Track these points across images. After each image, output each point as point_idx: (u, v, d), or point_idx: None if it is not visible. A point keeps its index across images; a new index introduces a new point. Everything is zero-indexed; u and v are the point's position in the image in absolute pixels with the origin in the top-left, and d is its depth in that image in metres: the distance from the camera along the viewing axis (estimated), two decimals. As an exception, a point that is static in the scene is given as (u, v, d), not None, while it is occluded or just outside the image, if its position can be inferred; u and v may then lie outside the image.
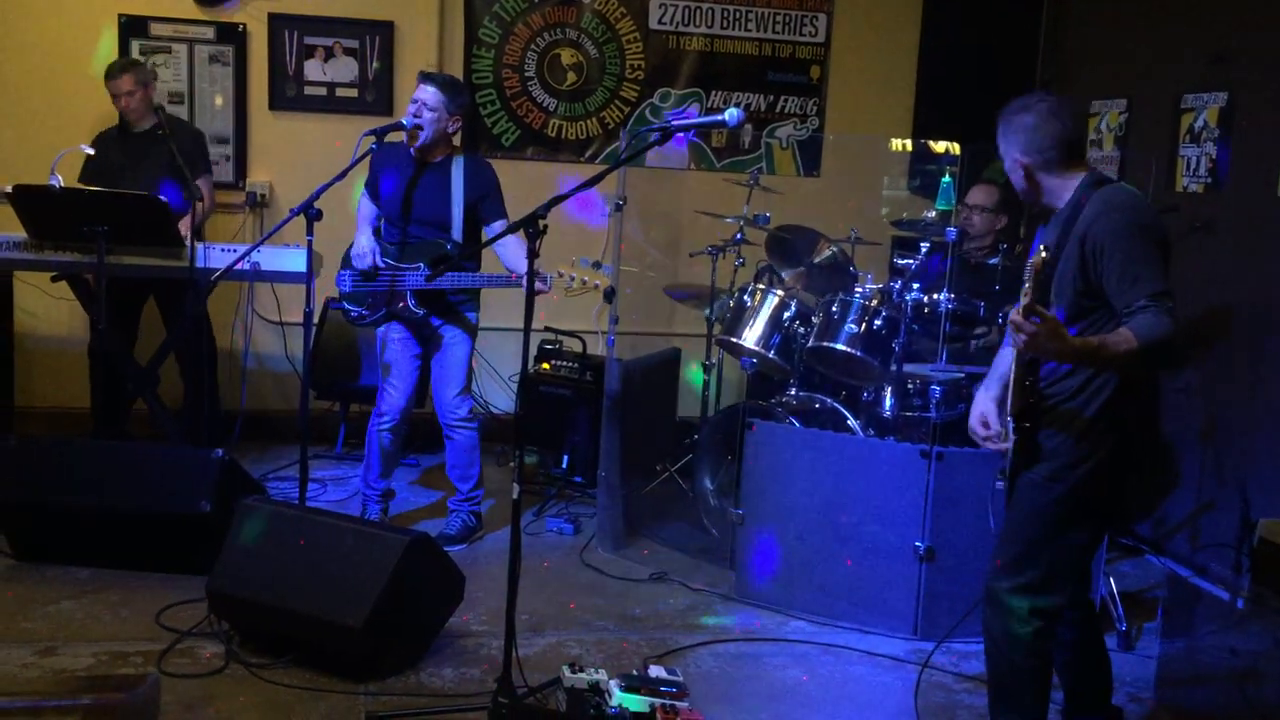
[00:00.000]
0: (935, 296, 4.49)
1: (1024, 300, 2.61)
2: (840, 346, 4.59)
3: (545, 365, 5.70)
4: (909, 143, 6.42)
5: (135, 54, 5.88)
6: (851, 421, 4.62)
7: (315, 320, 5.12)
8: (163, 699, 2.99)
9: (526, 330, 3.21)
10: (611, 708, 3.29)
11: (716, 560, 4.69)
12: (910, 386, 4.63)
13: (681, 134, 6.26)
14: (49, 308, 5.83)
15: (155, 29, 5.92)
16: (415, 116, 4.41)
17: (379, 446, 4.73)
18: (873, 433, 4.61)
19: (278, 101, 6.07)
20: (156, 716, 2.81)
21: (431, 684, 3.56)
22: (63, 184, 4.71)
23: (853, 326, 4.59)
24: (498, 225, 4.53)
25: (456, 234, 4.52)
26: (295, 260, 4.83)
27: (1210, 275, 4.80)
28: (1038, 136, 2.94)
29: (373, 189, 4.64)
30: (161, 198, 4.83)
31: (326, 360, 5.83)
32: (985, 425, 3.11)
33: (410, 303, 4.50)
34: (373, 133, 4.31)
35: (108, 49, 5.72)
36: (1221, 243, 4.85)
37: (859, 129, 6.54)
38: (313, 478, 5.13)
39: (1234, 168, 4.85)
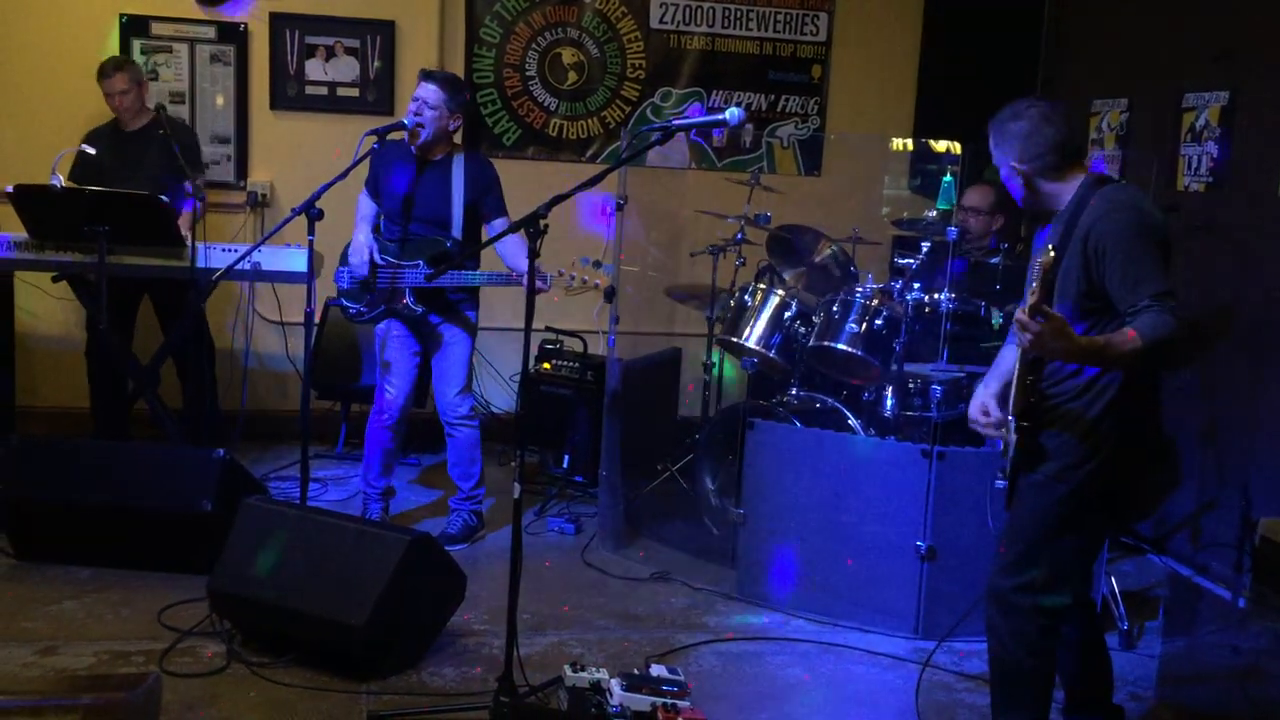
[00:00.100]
0: (936, 296, 4.49)
1: (1031, 299, 2.61)
2: (841, 346, 4.59)
3: (546, 365, 5.70)
4: (910, 142, 6.42)
5: (136, 53, 5.89)
6: (852, 421, 4.62)
7: (316, 320, 5.13)
8: (164, 698, 2.99)
9: (527, 330, 3.21)
10: (613, 707, 3.29)
11: (718, 559, 4.69)
12: (911, 386, 4.63)
13: (688, 133, 6.27)
14: (50, 308, 5.83)
15: (156, 28, 5.93)
16: (416, 115, 4.41)
17: (379, 445, 4.73)
18: (874, 432, 4.61)
19: (279, 101, 6.07)
20: (157, 716, 2.81)
21: (433, 683, 3.56)
22: (63, 184, 4.71)
23: (854, 326, 4.59)
24: (498, 223, 4.54)
25: (456, 232, 4.52)
26: (296, 260, 4.83)
27: (1211, 275, 4.80)
28: (1032, 143, 2.94)
29: (372, 187, 4.65)
30: (163, 198, 4.83)
31: (327, 360, 5.83)
32: (985, 414, 3.11)
33: (409, 300, 4.50)
34: (374, 132, 4.31)
35: (109, 48, 5.71)
36: (1222, 242, 4.84)
37: (860, 128, 6.55)
38: (314, 477, 5.13)
39: (1235, 167, 4.85)
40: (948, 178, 5.14)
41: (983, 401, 3.13)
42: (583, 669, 3.43)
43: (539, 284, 3.80)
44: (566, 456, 5.58)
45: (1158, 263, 2.78)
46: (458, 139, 4.67)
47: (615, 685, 3.34)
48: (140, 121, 5.31)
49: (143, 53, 5.91)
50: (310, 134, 6.06)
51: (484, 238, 4.63)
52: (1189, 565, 4.90)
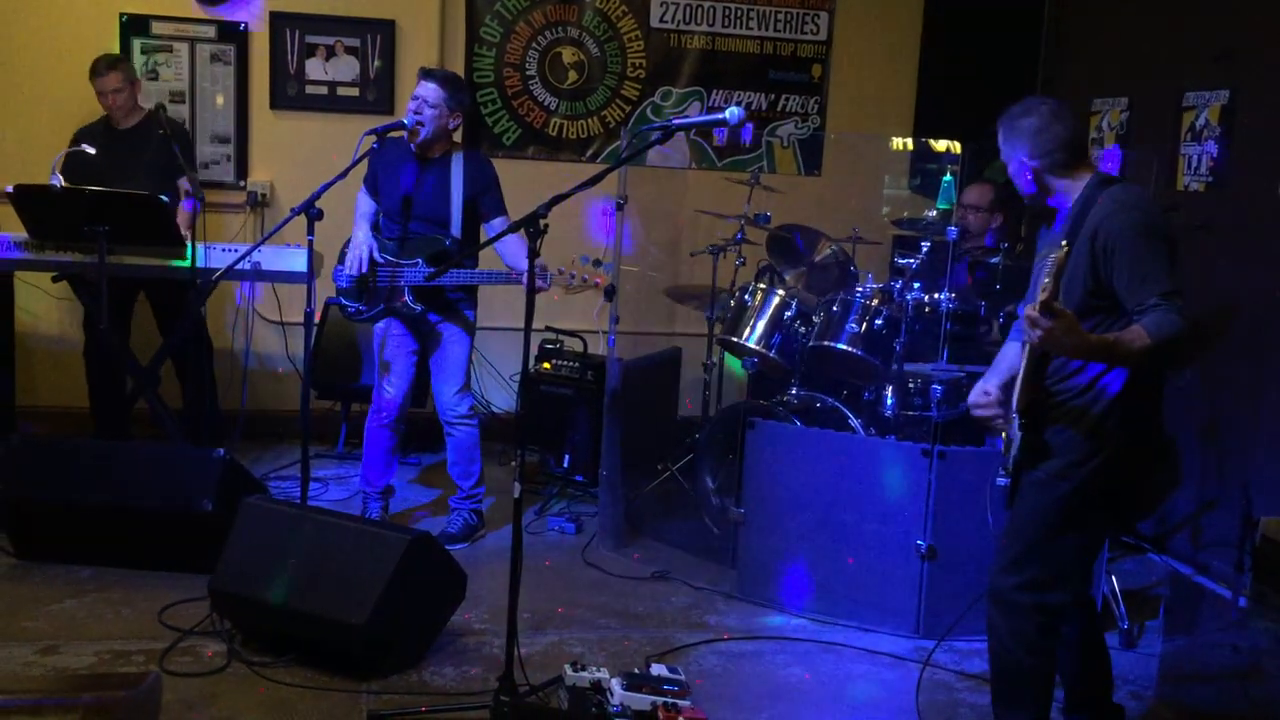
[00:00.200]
0: (936, 296, 4.49)
1: (1042, 295, 2.61)
2: (841, 346, 4.59)
3: (546, 365, 5.70)
4: (910, 141, 6.42)
5: (136, 53, 5.89)
6: (853, 421, 4.62)
7: (316, 320, 5.13)
8: (165, 698, 2.98)
9: (527, 329, 3.21)
10: (613, 706, 3.29)
11: (718, 559, 4.69)
12: (911, 385, 4.63)
13: (689, 133, 6.27)
14: (50, 307, 5.84)
15: (157, 28, 5.93)
16: (416, 114, 4.41)
17: (378, 444, 4.73)
18: (874, 432, 4.61)
19: (279, 100, 6.07)
20: (157, 715, 2.81)
21: (433, 683, 3.56)
22: (63, 184, 4.70)
23: (854, 326, 4.59)
24: (497, 222, 4.54)
25: (455, 230, 4.52)
26: (296, 260, 4.83)
27: (1211, 274, 4.80)
28: (1043, 139, 2.95)
29: (371, 185, 4.65)
30: (163, 197, 4.83)
31: (327, 360, 5.83)
32: (987, 394, 3.11)
33: (408, 299, 4.50)
34: (374, 131, 4.31)
35: (109, 48, 5.71)
36: (1222, 241, 4.85)
37: (860, 128, 6.55)
38: (314, 477, 5.13)
39: (1235, 166, 4.85)
40: (948, 177, 5.14)
41: (984, 387, 3.13)
42: (583, 668, 3.43)
43: (539, 283, 3.79)
44: (567, 456, 5.58)
45: (1165, 262, 2.79)
46: (457, 137, 4.67)
47: (616, 685, 3.34)
48: (133, 120, 5.30)
49: (143, 52, 5.91)
50: (310, 133, 6.06)
51: (482, 236, 4.63)
52: (1190, 564, 4.90)
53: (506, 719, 3.13)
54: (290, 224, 4.21)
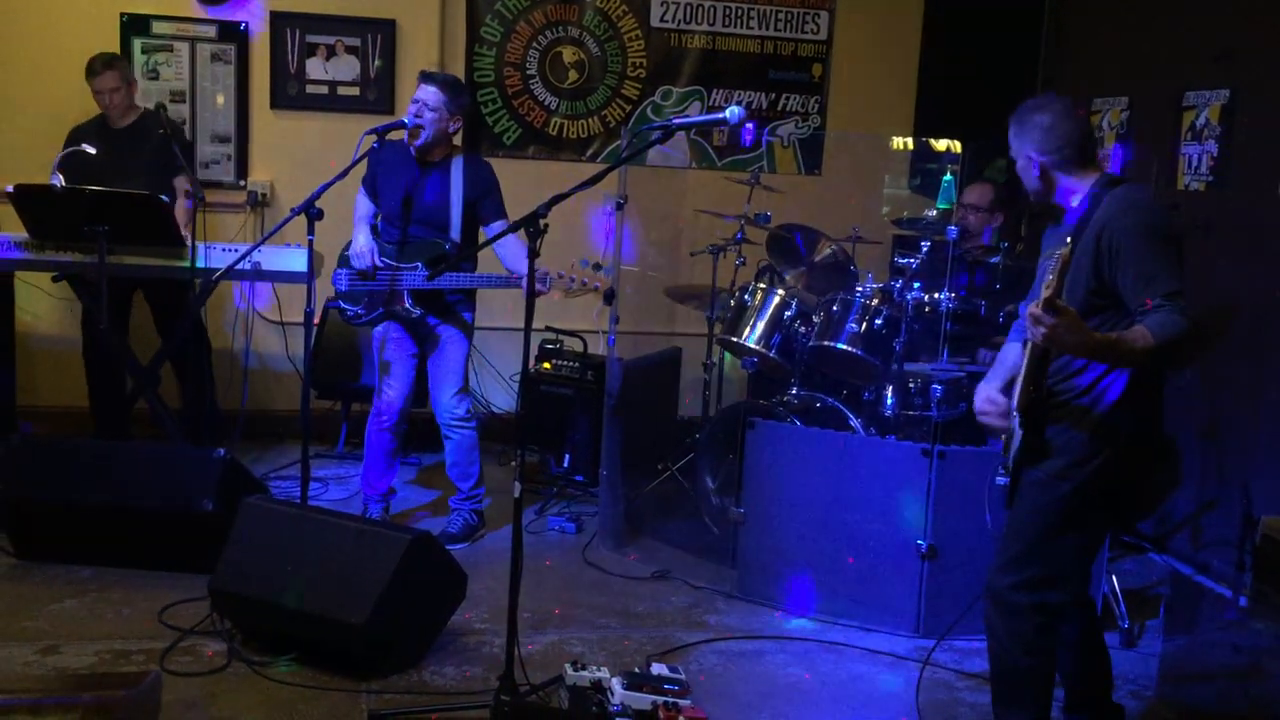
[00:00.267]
0: (936, 295, 4.49)
1: (1045, 293, 2.61)
2: (841, 346, 4.59)
3: (546, 365, 5.70)
4: (910, 141, 6.42)
5: (137, 53, 5.89)
6: (853, 420, 4.62)
7: (316, 320, 5.13)
8: (165, 697, 2.99)
9: (527, 329, 3.21)
10: (614, 705, 3.29)
11: (718, 558, 4.68)
12: (911, 385, 4.63)
13: (689, 132, 6.27)
14: (50, 307, 5.84)
15: (157, 27, 5.93)
16: (416, 116, 4.41)
17: (378, 446, 4.73)
18: (874, 431, 4.61)
19: (279, 100, 6.07)
20: (157, 714, 2.81)
21: (434, 682, 3.56)
22: (63, 184, 4.70)
23: (854, 326, 4.59)
24: (497, 225, 4.53)
25: (455, 234, 4.52)
26: (296, 260, 4.83)
27: (1212, 273, 4.80)
28: (1054, 135, 2.96)
29: (370, 187, 4.65)
30: (163, 197, 4.84)
31: (328, 360, 5.83)
32: (993, 404, 3.11)
33: (407, 302, 4.50)
34: (374, 131, 4.31)
35: (109, 48, 5.70)
36: (1223, 241, 4.84)
37: (860, 127, 6.54)
38: (314, 477, 5.14)
39: (1236, 165, 4.85)
40: (948, 177, 5.14)
41: (988, 394, 3.13)
42: (584, 668, 3.43)
43: (538, 286, 3.80)
44: (567, 456, 5.59)
45: (1171, 262, 2.79)
46: (457, 140, 4.67)
47: (616, 684, 3.34)
48: (129, 119, 5.30)
49: (143, 52, 5.91)
50: (311, 133, 6.06)
51: (482, 239, 4.63)
52: (1190, 564, 4.90)
53: (507, 719, 3.13)
54: (290, 224, 4.21)
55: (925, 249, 4.68)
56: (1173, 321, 2.69)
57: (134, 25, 5.89)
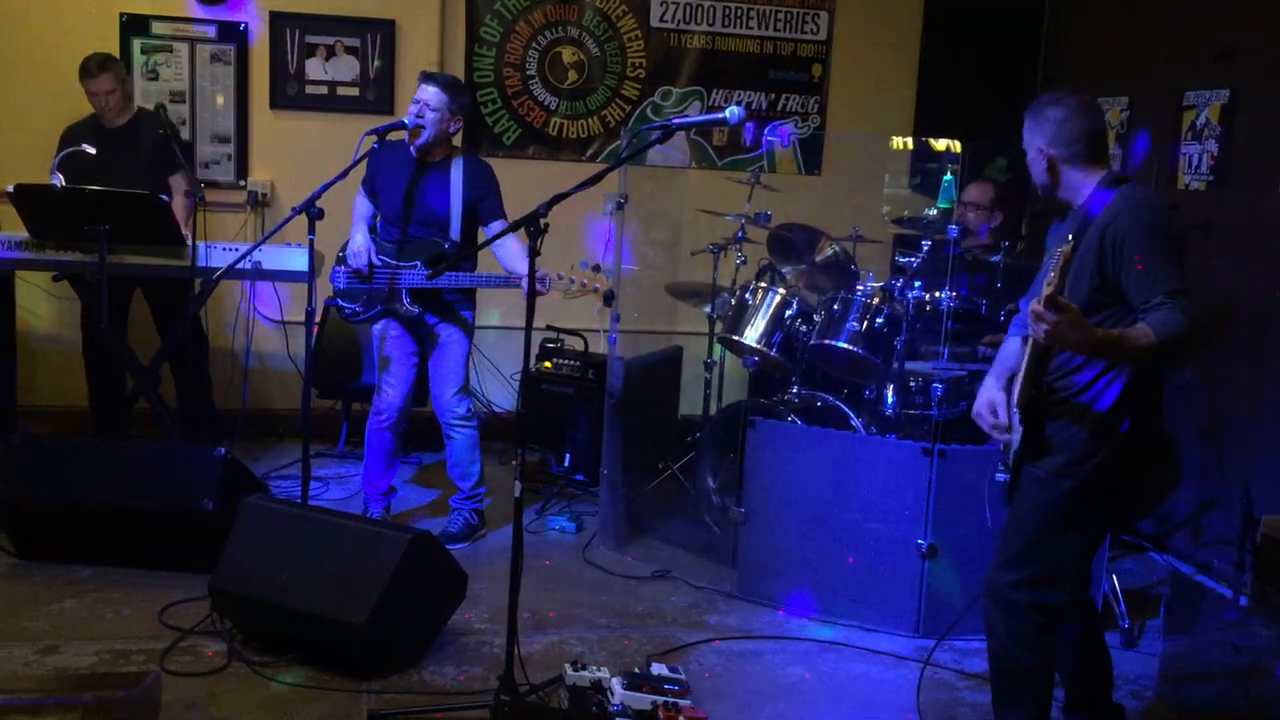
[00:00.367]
0: (936, 294, 4.49)
1: (1047, 290, 2.61)
2: (842, 344, 4.59)
3: (547, 364, 5.70)
4: (910, 141, 6.42)
5: (137, 53, 5.89)
6: (853, 419, 4.62)
7: (317, 319, 5.13)
8: (165, 697, 2.99)
9: (528, 329, 3.21)
10: (614, 705, 3.29)
11: (718, 558, 4.68)
12: (912, 384, 4.63)
13: (689, 132, 6.27)
14: (50, 307, 5.84)
15: (156, 28, 5.93)
16: (418, 117, 4.41)
17: (379, 445, 4.73)
18: (875, 430, 4.61)
19: (279, 100, 6.07)
20: (157, 714, 2.81)
21: (434, 682, 3.56)
22: (63, 183, 4.70)
23: (854, 324, 4.59)
24: (496, 226, 4.53)
25: (454, 234, 4.52)
26: (297, 259, 4.83)
27: (1212, 273, 4.80)
28: (1065, 129, 2.96)
29: (370, 187, 4.65)
30: (163, 197, 4.83)
31: (328, 359, 5.83)
32: (994, 414, 3.10)
33: (406, 301, 4.51)
34: (374, 131, 4.31)
35: (109, 48, 5.70)
36: (1223, 241, 4.84)
37: (860, 127, 6.54)
38: (315, 476, 5.14)
39: (1236, 165, 4.85)
40: (948, 176, 5.15)
41: (991, 398, 3.12)
42: (584, 668, 3.43)
43: (538, 288, 3.79)
44: (567, 455, 5.58)
45: (1173, 260, 2.79)
46: (457, 141, 4.67)
47: (616, 684, 3.34)
48: (123, 119, 5.29)
49: (143, 52, 5.91)
50: (310, 133, 6.06)
51: (481, 239, 4.63)
52: (1190, 563, 4.90)
53: (507, 718, 3.13)
54: (291, 223, 4.21)
55: (926, 248, 4.68)
56: (1175, 319, 2.69)
57: (133, 25, 5.89)
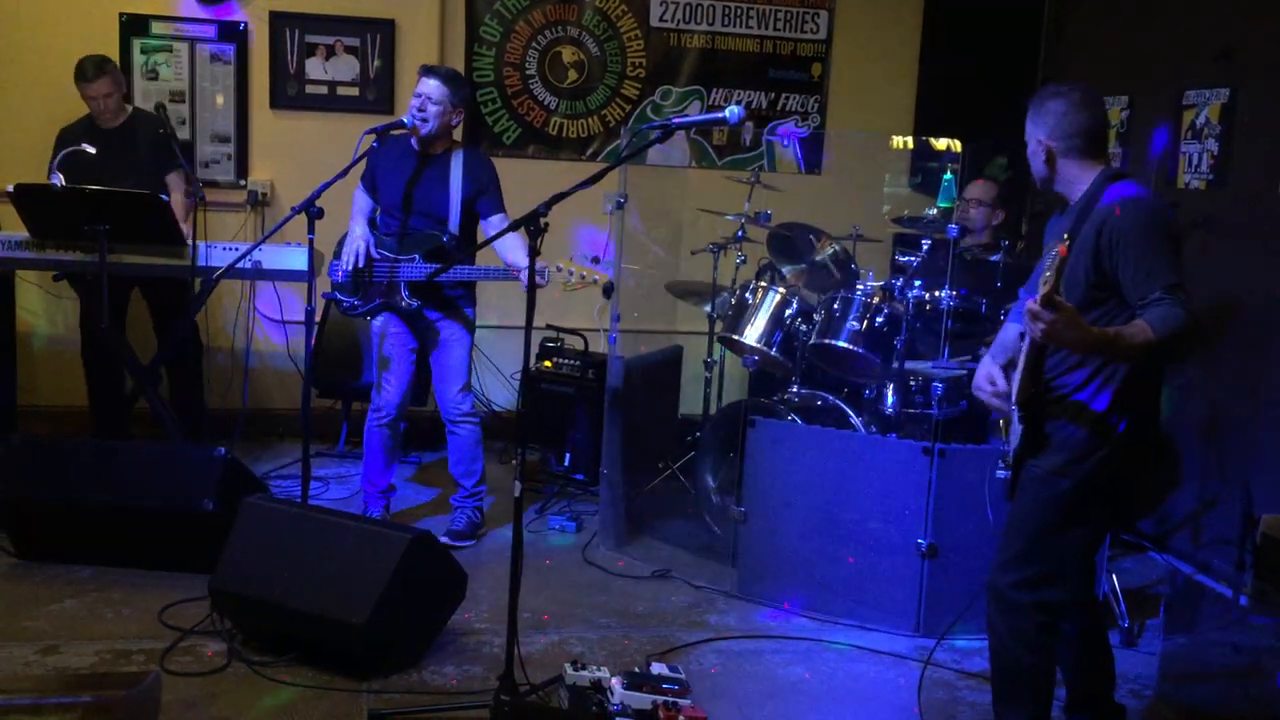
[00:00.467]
0: (937, 294, 4.49)
1: (1043, 289, 2.61)
2: (842, 344, 4.59)
3: (547, 363, 5.70)
4: (910, 140, 6.42)
5: (136, 53, 5.89)
6: (853, 419, 4.62)
7: (317, 318, 5.13)
8: (165, 697, 2.99)
9: (528, 328, 3.21)
10: (614, 705, 3.29)
11: (718, 557, 4.68)
12: (912, 383, 4.63)
13: (689, 131, 6.27)
14: (50, 306, 5.84)
15: (156, 28, 5.92)
16: (420, 111, 4.41)
17: (378, 443, 4.73)
18: (875, 430, 4.61)
19: (279, 100, 6.07)
20: (157, 714, 2.81)
21: (434, 682, 3.56)
22: (63, 183, 4.70)
23: (854, 324, 4.59)
24: (496, 219, 4.54)
25: (454, 227, 4.53)
26: (297, 259, 4.83)
27: (1212, 272, 4.80)
28: (1066, 122, 2.96)
29: (369, 182, 4.65)
30: (163, 196, 4.83)
31: (328, 358, 5.83)
32: (992, 384, 3.10)
33: (404, 294, 4.51)
34: (374, 131, 4.31)
35: (109, 48, 5.70)
36: (1223, 240, 4.84)
37: (860, 126, 6.54)
38: (315, 476, 5.14)
39: (1236, 164, 4.85)
40: (948, 175, 5.14)
41: (989, 371, 3.12)
42: (584, 667, 3.43)
43: (538, 280, 3.79)
44: (567, 454, 5.58)
45: (1170, 256, 2.79)
46: (457, 135, 4.67)
47: (616, 684, 3.34)
48: (119, 120, 5.29)
49: (142, 52, 5.91)
50: (310, 133, 6.06)
51: (480, 234, 4.63)
52: (1190, 563, 4.90)
53: (507, 718, 3.13)
54: (291, 223, 4.21)
55: (926, 247, 4.68)
56: (1174, 315, 2.69)
57: (133, 25, 5.89)
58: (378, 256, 4.53)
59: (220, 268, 4.48)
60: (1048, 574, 2.98)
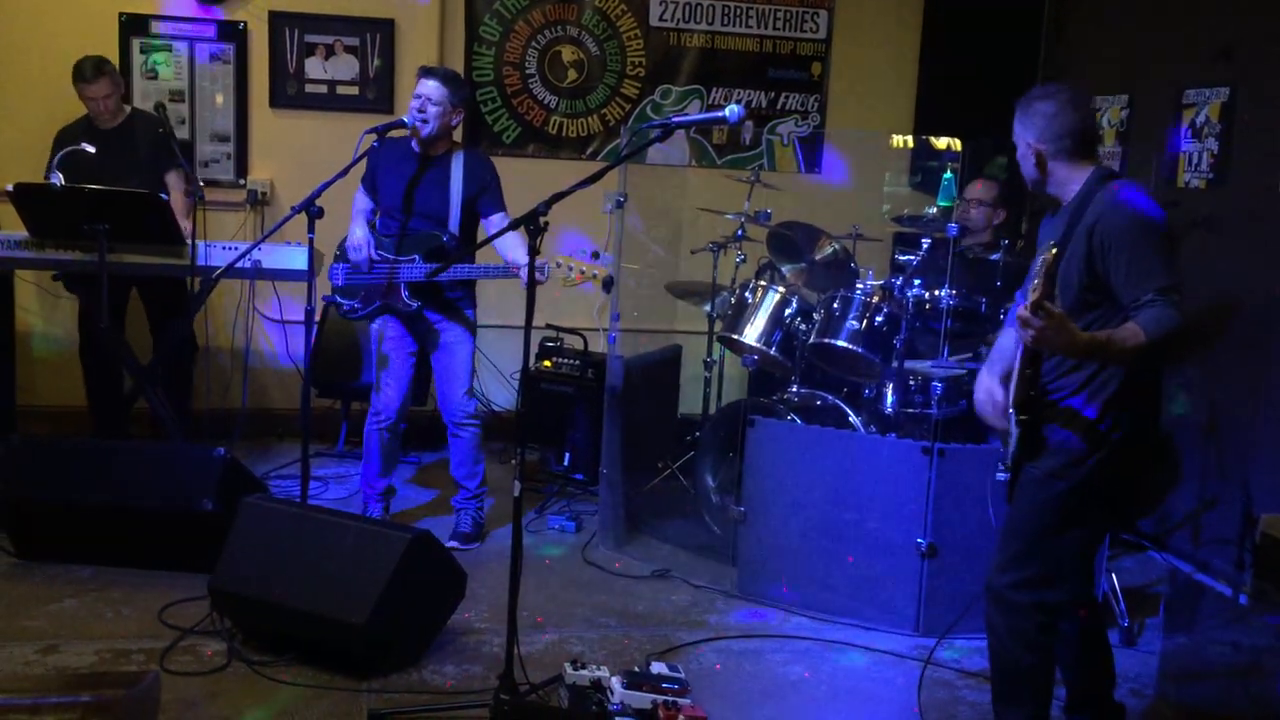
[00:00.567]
0: (936, 293, 4.49)
1: (1033, 295, 2.60)
2: (842, 343, 4.59)
3: (547, 362, 5.70)
4: (910, 139, 6.42)
5: (136, 52, 5.89)
6: (853, 418, 4.62)
7: (316, 318, 5.13)
8: (165, 697, 2.99)
9: (528, 327, 3.21)
10: (614, 704, 3.29)
11: (718, 557, 4.68)
12: (911, 383, 4.63)
13: (688, 130, 6.27)
14: (50, 306, 5.84)
15: (156, 27, 5.92)
16: (420, 112, 4.41)
17: (378, 444, 4.72)
18: (874, 429, 4.60)
19: (278, 99, 6.07)
20: (156, 713, 2.81)
21: (433, 681, 3.56)
22: (63, 182, 4.70)
23: (854, 323, 4.59)
24: (496, 218, 4.54)
25: (454, 227, 4.53)
26: (296, 258, 4.82)
27: (1211, 271, 4.80)
28: (1054, 124, 2.95)
29: (369, 183, 4.64)
30: (163, 195, 4.83)
31: (328, 358, 5.83)
32: (992, 401, 3.10)
33: (404, 295, 4.50)
34: (374, 130, 4.31)
35: (109, 48, 5.70)
36: (1223, 238, 4.84)
37: (860, 125, 6.54)
38: (314, 476, 5.14)
39: (1235, 163, 4.85)
40: (948, 174, 5.14)
41: (988, 386, 3.12)
42: (583, 667, 3.43)
43: (537, 276, 3.79)
44: (567, 454, 5.58)
45: (1163, 257, 2.78)
46: (457, 136, 4.67)
47: (616, 683, 3.34)
48: (118, 120, 5.28)
49: (142, 51, 5.91)
50: (310, 132, 6.05)
51: (480, 233, 4.63)
52: (1190, 562, 4.90)
53: (507, 717, 3.13)
54: (290, 222, 4.21)
55: (926, 246, 4.68)
56: (1166, 317, 2.68)
57: (132, 25, 5.89)
58: (377, 258, 4.53)
59: (220, 267, 4.47)
60: (1046, 575, 2.98)
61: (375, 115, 5.67)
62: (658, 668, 3.55)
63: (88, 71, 5.13)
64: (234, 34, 5.98)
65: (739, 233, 5.33)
